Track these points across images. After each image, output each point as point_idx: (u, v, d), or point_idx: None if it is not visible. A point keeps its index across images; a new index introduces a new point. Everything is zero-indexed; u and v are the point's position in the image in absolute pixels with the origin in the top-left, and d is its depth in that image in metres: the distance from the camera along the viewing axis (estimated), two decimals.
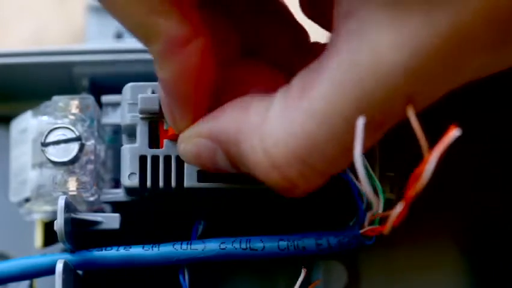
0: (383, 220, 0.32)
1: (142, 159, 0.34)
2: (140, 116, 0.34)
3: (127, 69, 0.39)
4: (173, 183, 0.34)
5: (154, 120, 0.34)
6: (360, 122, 0.27)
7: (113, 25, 0.47)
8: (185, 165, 0.34)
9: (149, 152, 0.34)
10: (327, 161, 0.28)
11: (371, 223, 0.33)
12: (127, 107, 0.34)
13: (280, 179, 0.29)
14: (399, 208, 0.29)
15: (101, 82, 0.39)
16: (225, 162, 0.31)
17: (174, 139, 0.33)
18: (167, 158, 0.34)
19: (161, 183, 0.34)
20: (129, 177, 0.34)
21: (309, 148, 0.28)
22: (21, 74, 0.40)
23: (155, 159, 0.34)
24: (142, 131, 0.34)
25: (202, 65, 0.29)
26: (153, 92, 0.34)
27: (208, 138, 0.31)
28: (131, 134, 0.34)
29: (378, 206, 0.31)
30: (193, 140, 0.31)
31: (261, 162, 0.29)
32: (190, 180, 0.34)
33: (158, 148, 0.34)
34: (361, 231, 0.33)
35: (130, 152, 0.34)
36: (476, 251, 0.41)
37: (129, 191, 0.35)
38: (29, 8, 0.50)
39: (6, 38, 0.50)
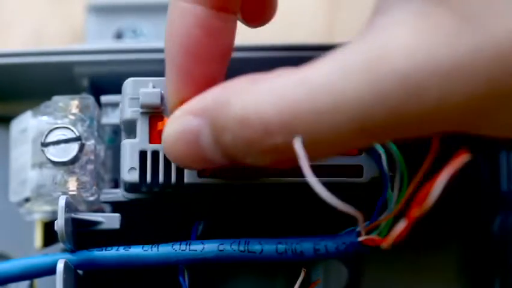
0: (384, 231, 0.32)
1: (142, 154, 0.34)
2: (141, 110, 0.34)
3: (127, 69, 0.39)
4: (173, 179, 0.34)
5: (155, 115, 0.34)
6: (298, 142, 0.26)
7: (113, 25, 0.47)
8: None
9: (150, 148, 0.34)
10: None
11: (371, 230, 0.33)
12: (128, 101, 0.34)
13: (267, 146, 0.27)
14: (401, 225, 0.28)
15: (101, 82, 0.39)
16: (208, 141, 0.29)
17: None
18: None
19: (161, 179, 0.34)
20: (129, 172, 0.34)
21: (293, 114, 0.27)
22: (21, 74, 0.40)
23: (155, 154, 0.34)
24: (142, 126, 0.34)
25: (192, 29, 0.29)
26: (154, 87, 0.34)
27: (194, 113, 0.30)
28: (131, 130, 0.34)
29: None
30: (179, 120, 0.30)
31: (250, 126, 0.27)
32: (190, 176, 0.34)
33: (159, 143, 0.34)
34: (360, 239, 0.33)
35: (130, 146, 0.34)
36: (477, 254, 0.41)
37: (129, 186, 0.34)
38: (28, 8, 0.50)
39: (6, 38, 0.50)
